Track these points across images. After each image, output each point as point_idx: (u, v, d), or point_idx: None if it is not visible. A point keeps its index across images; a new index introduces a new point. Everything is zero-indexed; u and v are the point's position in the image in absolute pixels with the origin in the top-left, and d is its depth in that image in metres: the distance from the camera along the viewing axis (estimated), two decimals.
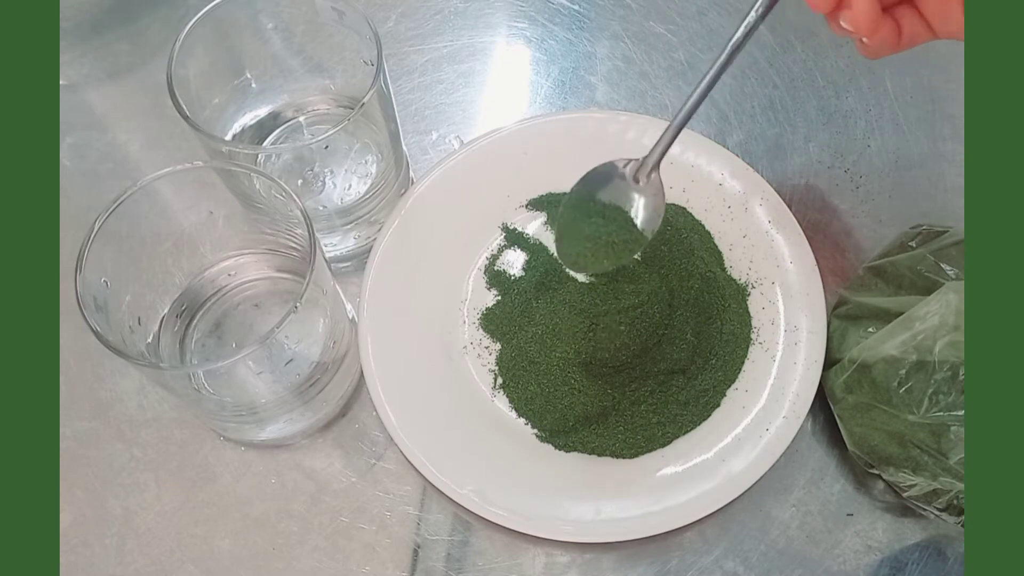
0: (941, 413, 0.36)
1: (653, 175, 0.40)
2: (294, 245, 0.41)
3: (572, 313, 0.42)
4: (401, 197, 0.46)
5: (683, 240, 0.45)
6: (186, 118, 0.38)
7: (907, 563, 0.40)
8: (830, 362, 0.42)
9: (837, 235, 0.48)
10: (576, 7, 0.57)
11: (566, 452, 0.42)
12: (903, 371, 0.37)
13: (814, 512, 0.41)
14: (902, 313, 0.38)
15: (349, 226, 0.46)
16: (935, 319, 0.36)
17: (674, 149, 0.47)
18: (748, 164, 0.47)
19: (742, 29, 0.36)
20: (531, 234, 0.47)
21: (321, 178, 0.46)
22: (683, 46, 0.55)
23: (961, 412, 0.35)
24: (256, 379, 0.38)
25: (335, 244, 0.47)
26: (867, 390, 0.39)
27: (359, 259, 0.47)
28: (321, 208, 0.45)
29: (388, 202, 0.46)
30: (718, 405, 0.42)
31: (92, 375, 0.44)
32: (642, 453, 0.41)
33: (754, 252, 0.45)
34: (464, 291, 0.46)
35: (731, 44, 0.36)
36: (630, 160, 0.41)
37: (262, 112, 0.47)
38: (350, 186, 0.46)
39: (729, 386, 0.43)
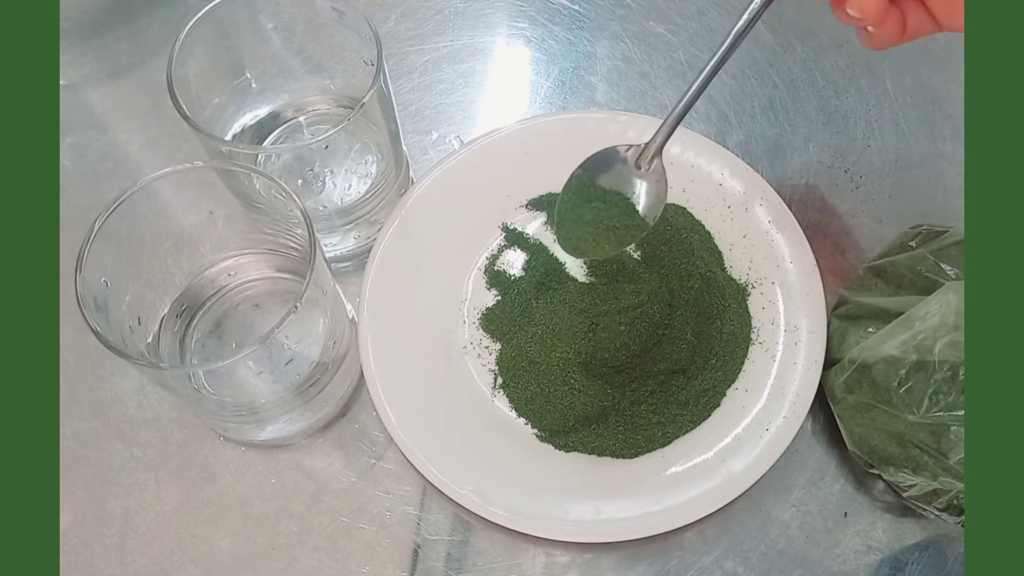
0: (941, 413, 0.36)
1: (656, 161, 0.40)
2: (294, 245, 0.41)
3: (572, 313, 0.42)
4: (401, 197, 0.46)
5: (683, 240, 0.45)
6: (186, 118, 0.38)
7: (907, 563, 0.40)
8: (830, 362, 0.42)
9: (837, 235, 0.48)
10: (576, 7, 0.57)
11: (566, 452, 0.42)
12: (903, 371, 0.37)
13: (814, 512, 0.41)
14: (902, 313, 0.38)
15: (349, 226, 0.46)
16: (935, 319, 0.36)
17: (674, 149, 0.47)
18: (748, 164, 0.47)
19: (746, 16, 0.35)
20: (531, 234, 0.47)
21: (321, 178, 0.46)
22: (683, 46, 0.55)
23: (961, 412, 0.35)
24: (256, 379, 0.38)
25: (335, 244, 0.47)
26: (867, 390, 0.39)
27: (359, 259, 0.47)
28: (321, 208, 0.45)
29: (388, 202, 0.46)
30: (718, 405, 0.42)
31: (92, 375, 0.44)
32: (642, 453, 0.41)
33: (754, 252, 0.45)
34: (464, 291, 0.46)
35: (735, 31, 0.36)
36: (632, 146, 0.40)
37: (262, 112, 0.47)
38: (350, 186, 0.46)
39: (729, 386, 0.43)
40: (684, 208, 0.47)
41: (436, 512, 0.41)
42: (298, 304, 0.34)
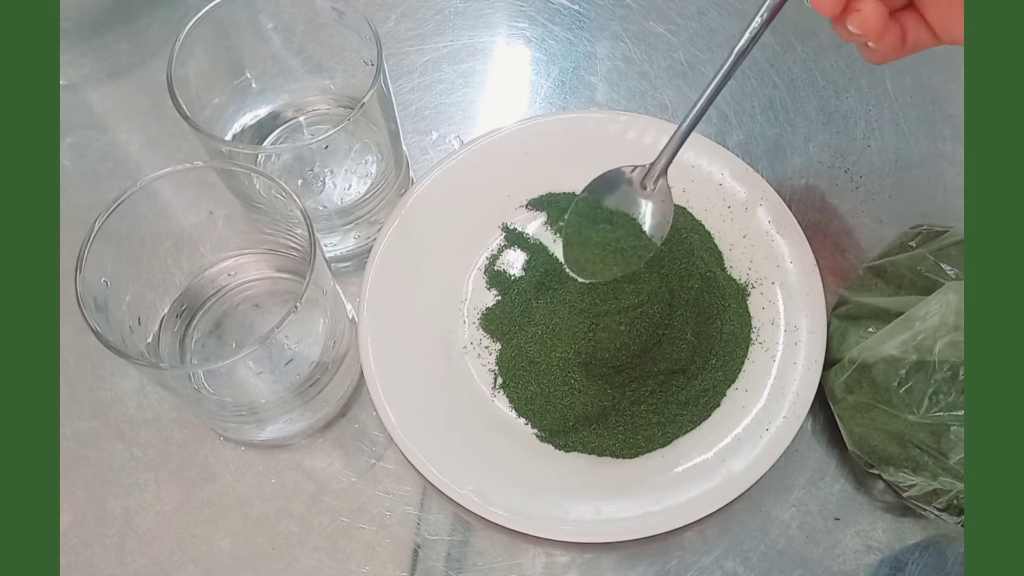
0: (941, 413, 0.36)
1: (661, 181, 0.40)
2: (294, 245, 0.41)
3: (572, 313, 0.42)
4: (401, 197, 0.46)
5: (683, 240, 0.45)
6: (186, 118, 0.38)
7: (907, 563, 0.40)
8: (830, 362, 0.42)
9: (837, 235, 0.48)
10: (576, 7, 0.57)
11: (566, 452, 0.42)
12: (903, 371, 0.37)
13: (814, 512, 0.41)
14: (902, 313, 0.38)
15: (349, 226, 0.46)
16: (935, 319, 0.36)
17: None
18: (748, 164, 0.47)
19: (747, 35, 0.36)
20: (531, 234, 0.47)
21: (321, 178, 0.46)
22: (683, 46, 0.55)
23: (961, 412, 0.35)
24: (256, 379, 0.38)
25: (335, 244, 0.47)
26: (867, 390, 0.39)
27: (359, 259, 0.47)
28: (321, 208, 0.45)
29: (388, 202, 0.46)
30: (718, 405, 0.42)
31: (92, 375, 0.44)
32: (642, 453, 0.41)
33: (754, 252, 0.45)
34: (464, 291, 0.46)
35: (736, 51, 0.36)
36: (636, 166, 0.41)
37: (262, 112, 0.47)
38: (350, 186, 0.46)
39: (729, 386, 0.43)
40: (684, 208, 0.47)
41: (436, 512, 0.41)
42: (298, 304, 0.34)
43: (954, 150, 0.51)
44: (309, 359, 0.40)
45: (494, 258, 0.47)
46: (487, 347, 0.45)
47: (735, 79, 0.53)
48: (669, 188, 0.40)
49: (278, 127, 0.47)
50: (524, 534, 0.39)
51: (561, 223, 0.46)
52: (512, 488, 0.40)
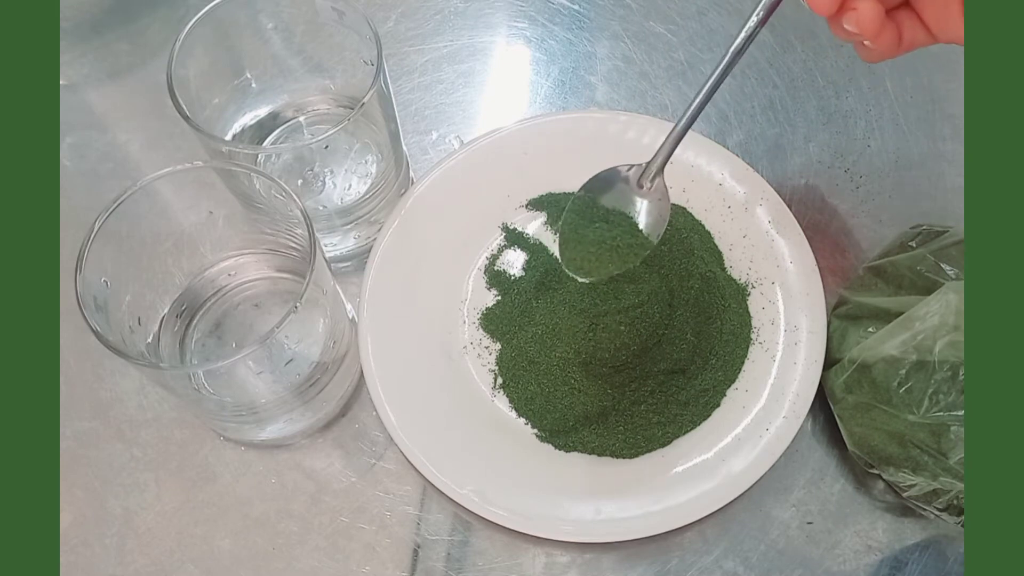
0: (941, 413, 0.36)
1: (657, 180, 0.40)
2: (294, 245, 0.41)
3: (572, 313, 0.42)
4: (401, 197, 0.46)
5: (683, 240, 0.45)
6: (186, 118, 0.38)
7: (907, 563, 0.40)
8: (830, 362, 0.42)
9: (837, 235, 0.48)
10: (576, 7, 0.57)
11: (566, 452, 0.42)
12: (903, 371, 0.37)
13: (814, 512, 0.41)
14: (902, 313, 0.38)
15: (349, 226, 0.46)
16: (935, 319, 0.36)
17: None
18: (748, 164, 0.47)
19: (743, 34, 0.36)
20: (531, 234, 0.47)
21: (321, 178, 0.46)
22: (683, 46, 0.55)
23: (961, 412, 0.35)
24: (256, 379, 0.38)
25: (335, 244, 0.47)
26: (867, 390, 0.39)
27: (359, 259, 0.47)
28: (321, 208, 0.45)
29: (388, 202, 0.46)
30: (718, 405, 0.42)
31: (92, 375, 0.44)
32: (642, 453, 0.41)
33: (754, 252, 0.45)
34: (464, 291, 0.46)
35: (732, 50, 0.36)
36: (633, 165, 0.41)
37: (262, 112, 0.47)
38: (350, 186, 0.46)
39: (729, 386, 0.43)
40: (684, 208, 0.47)
41: (436, 512, 0.41)
42: (298, 304, 0.34)
43: (954, 150, 0.51)
44: (309, 359, 0.40)
45: (494, 258, 0.47)
46: (487, 347, 0.45)
47: (735, 79, 0.53)
48: (666, 187, 0.40)
49: (278, 127, 0.47)
50: (524, 534, 0.39)
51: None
52: (512, 488, 0.40)
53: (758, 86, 0.53)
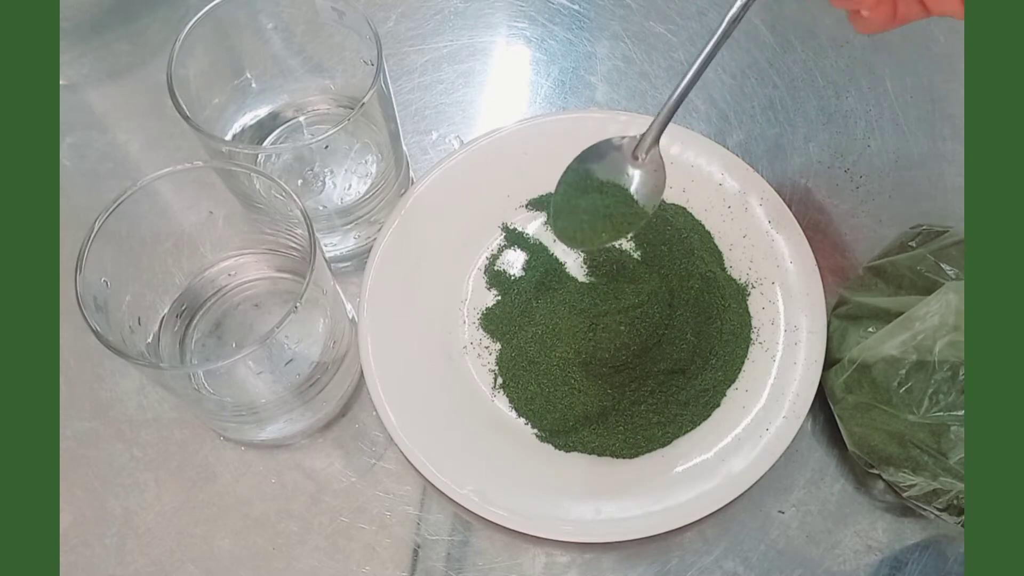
0: (941, 413, 0.36)
1: (653, 151, 0.39)
2: (294, 245, 0.41)
3: (572, 313, 0.42)
4: (401, 197, 0.46)
5: (683, 240, 0.45)
6: (186, 118, 0.38)
7: (907, 563, 0.40)
8: (830, 362, 0.42)
9: (837, 235, 0.48)
10: (576, 7, 0.57)
11: (566, 452, 0.42)
12: (903, 371, 0.37)
13: (814, 512, 0.41)
14: (902, 313, 0.38)
15: (349, 226, 0.46)
16: (935, 319, 0.36)
17: (674, 149, 0.47)
18: (748, 164, 0.47)
19: (739, 2, 0.35)
20: (531, 234, 0.47)
21: (321, 178, 0.46)
22: (683, 46, 0.55)
23: (961, 412, 0.35)
24: (256, 379, 0.38)
25: (335, 244, 0.47)
26: (867, 390, 0.39)
27: (359, 259, 0.47)
28: (321, 208, 0.45)
29: (388, 202, 0.46)
30: (718, 405, 0.42)
31: (92, 375, 0.44)
32: (642, 453, 0.41)
33: (754, 252, 0.45)
34: (464, 291, 0.46)
35: (728, 17, 0.35)
36: (627, 136, 0.40)
37: (262, 112, 0.47)
38: (350, 186, 0.46)
39: (729, 386, 0.43)
40: (684, 208, 0.47)
41: (436, 512, 0.41)
42: (298, 304, 0.34)
43: (954, 150, 0.51)
44: (309, 359, 0.40)
45: (494, 258, 0.47)
46: (487, 347, 0.45)
47: (735, 79, 0.53)
48: (661, 159, 0.40)
49: (278, 127, 0.47)
50: (524, 534, 0.39)
51: None
52: (512, 488, 0.40)
53: (758, 86, 0.53)
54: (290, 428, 0.42)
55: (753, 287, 0.45)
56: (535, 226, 0.48)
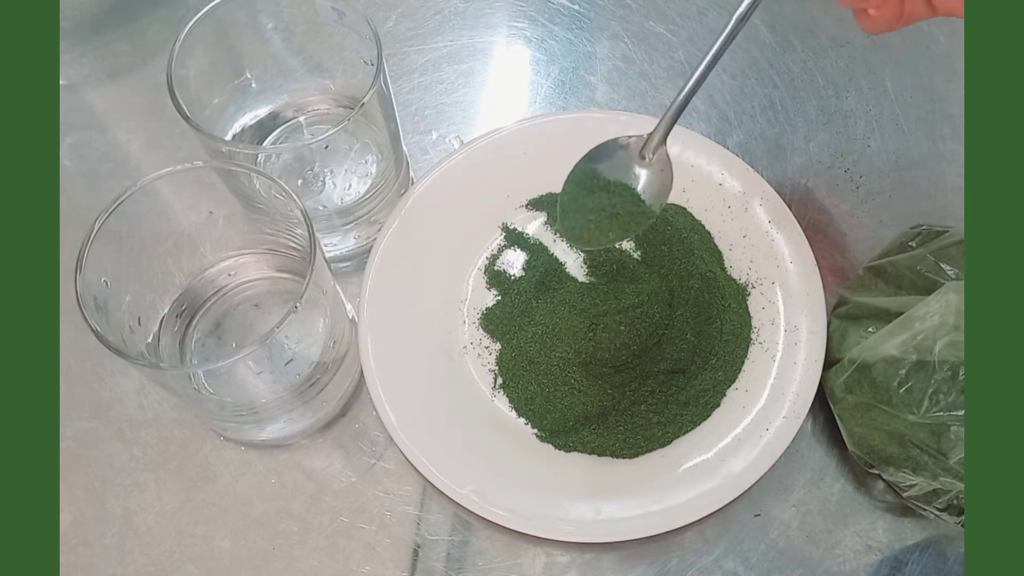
0: (941, 413, 0.36)
1: (660, 150, 0.39)
2: (294, 245, 0.41)
3: (572, 313, 0.42)
4: (401, 197, 0.46)
5: (683, 240, 0.45)
6: (186, 118, 0.38)
7: (907, 563, 0.40)
8: (830, 362, 0.42)
9: (837, 235, 0.48)
10: (576, 7, 0.57)
11: (566, 452, 0.42)
12: (903, 371, 0.37)
13: (814, 512, 0.41)
14: (902, 313, 0.38)
15: (349, 226, 0.46)
16: (935, 319, 0.36)
17: (674, 149, 0.47)
18: (748, 164, 0.47)
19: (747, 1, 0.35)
20: (531, 234, 0.47)
21: (321, 178, 0.46)
22: (683, 46, 0.55)
23: (961, 412, 0.35)
24: (256, 379, 0.38)
25: (335, 244, 0.47)
26: (867, 390, 0.39)
27: (359, 259, 0.47)
28: (321, 208, 0.45)
29: (388, 202, 0.46)
30: (718, 405, 0.42)
31: (92, 375, 0.44)
32: (642, 453, 0.41)
33: (754, 252, 0.45)
34: (464, 291, 0.46)
35: (737, 15, 0.35)
36: (634, 136, 0.40)
37: (262, 112, 0.47)
38: (350, 186, 0.46)
39: (729, 386, 0.43)
40: (684, 208, 0.47)
41: (436, 512, 0.41)
42: (298, 304, 0.34)
43: (954, 150, 0.51)
44: (309, 359, 0.40)
45: (494, 258, 0.47)
46: (487, 347, 0.45)
47: (735, 79, 0.53)
48: (668, 158, 0.40)
49: (278, 127, 0.47)
50: (524, 534, 0.39)
51: None
52: (512, 488, 0.40)
53: (758, 86, 0.53)
54: (290, 428, 0.42)
55: (753, 287, 0.45)
56: (535, 226, 0.48)
